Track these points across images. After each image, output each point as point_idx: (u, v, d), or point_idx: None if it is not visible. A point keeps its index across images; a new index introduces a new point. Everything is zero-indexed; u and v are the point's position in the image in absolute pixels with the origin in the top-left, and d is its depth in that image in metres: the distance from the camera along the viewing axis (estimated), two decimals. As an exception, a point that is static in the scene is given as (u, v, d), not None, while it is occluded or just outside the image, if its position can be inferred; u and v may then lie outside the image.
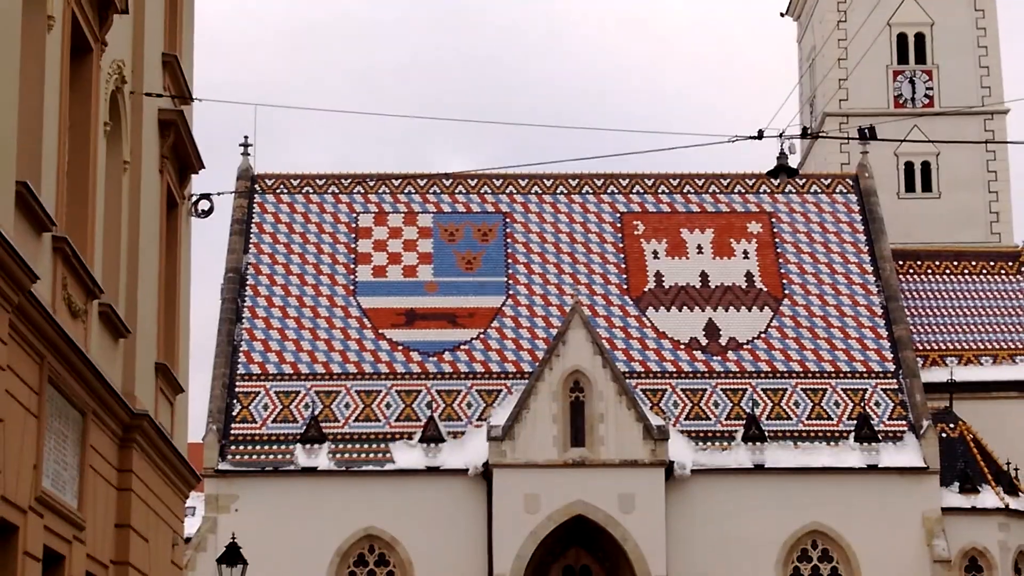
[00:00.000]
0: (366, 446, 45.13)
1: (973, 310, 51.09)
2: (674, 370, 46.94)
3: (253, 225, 50.14)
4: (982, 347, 49.93)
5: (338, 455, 44.85)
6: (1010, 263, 52.42)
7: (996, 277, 52.15)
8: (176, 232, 22.15)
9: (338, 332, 47.59)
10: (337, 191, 51.47)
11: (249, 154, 51.38)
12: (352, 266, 49.44)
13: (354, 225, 50.59)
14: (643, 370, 46.85)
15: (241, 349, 46.91)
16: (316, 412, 45.47)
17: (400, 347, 47.27)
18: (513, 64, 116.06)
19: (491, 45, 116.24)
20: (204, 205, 23.01)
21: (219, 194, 23.38)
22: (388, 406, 45.94)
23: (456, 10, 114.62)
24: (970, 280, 52.04)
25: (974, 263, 52.59)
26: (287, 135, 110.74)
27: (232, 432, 45.22)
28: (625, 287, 49.21)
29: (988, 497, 45.00)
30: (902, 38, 57.82)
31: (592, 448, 43.85)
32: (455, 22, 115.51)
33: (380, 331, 47.61)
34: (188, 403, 23.11)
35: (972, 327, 50.58)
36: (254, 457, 44.84)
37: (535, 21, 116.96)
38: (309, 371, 46.62)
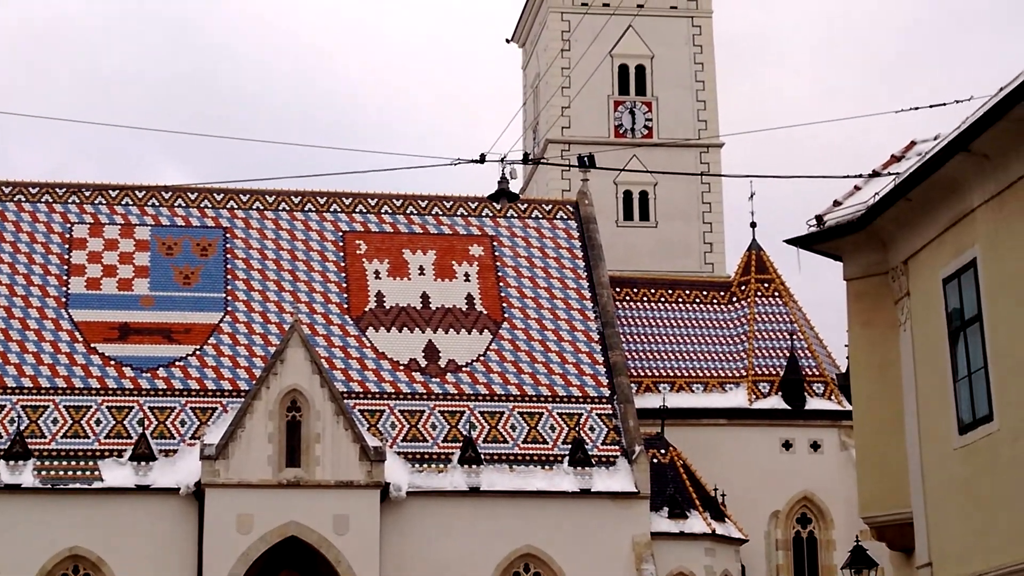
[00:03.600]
0: (74, 463, 43.80)
1: (686, 338, 52.29)
2: (393, 391, 46.83)
3: (-40, 232, 48.29)
4: (694, 375, 51.14)
5: (44, 472, 43.41)
6: (722, 293, 53.82)
7: (709, 306, 53.49)
8: None
9: (47, 345, 46.12)
10: (51, 200, 49.95)
11: (-42, 158, 49.55)
12: (65, 278, 48.01)
13: (68, 236, 49.15)
14: (362, 391, 46.61)
15: (-57, 361, 45.07)
16: (21, 427, 43.95)
17: (112, 362, 46.05)
18: (235, 77, 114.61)
19: (214, 57, 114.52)
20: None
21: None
22: (98, 422, 44.70)
23: (180, 20, 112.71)
24: (684, 308, 53.25)
25: (688, 292, 53.85)
26: (1, 141, 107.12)
27: (-69, 447, 43.35)
28: (346, 307, 48.92)
29: (696, 522, 46.04)
30: (623, 69, 59.02)
31: (308, 468, 43.39)
32: (179, 32, 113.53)
33: (92, 345, 46.31)
34: None
35: (685, 355, 51.76)
36: (-47, 474, 43.04)
37: (258, 34, 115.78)
38: (15, 384, 45.04)
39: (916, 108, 23.32)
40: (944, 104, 22.30)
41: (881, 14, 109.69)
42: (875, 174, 22.52)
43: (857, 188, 22.81)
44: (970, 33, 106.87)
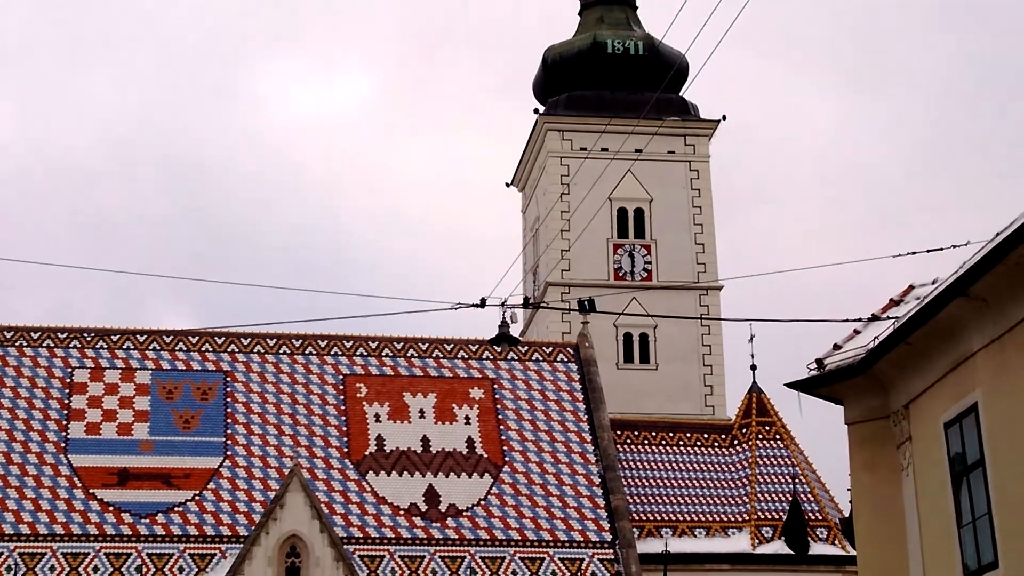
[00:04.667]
0: (71, 611, 43.34)
1: (688, 482, 52.02)
2: (393, 536, 46.48)
3: (-39, 377, 48.27)
4: (696, 519, 50.78)
5: (40, 620, 42.94)
6: (723, 436, 53.66)
7: (710, 449, 53.30)
8: None
9: (46, 491, 45.87)
10: (52, 344, 50.02)
11: (-40, 304, 49.68)
12: (64, 423, 47.90)
13: (68, 380, 49.14)
14: (362, 536, 46.26)
15: (-59, 507, 44.79)
16: (19, 575, 43.56)
17: (111, 508, 45.77)
18: (236, 219, 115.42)
19: (215, 199, 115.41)
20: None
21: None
22: (96, 569, 44.30)
23: (180, 162, 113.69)
24: (685, 452, 53.06)
25: (689, 435, 53.70)
26: (3, 284, 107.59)
27: (-74, 595, 42.95)
28: (346, 450, 48.75)
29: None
30: (622, 212, 59.46)
31: (307, 615, 42.92)
32: (179, 174, 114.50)
33: (91, 491, 46.06)
34: None
35: (687, 498, 51.46)
36: (-51, 622, 42.60)
37: (262, 177, 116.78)
38: (13, 531, 44.72)
39: (914, 252, 23.49)
40: (942, 249, 22.45)
41: (879, 159, 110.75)
42: (874, 318, 22.61)
43: (857, 332, 22.89)
44: (966, 178, 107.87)
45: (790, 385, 22.98)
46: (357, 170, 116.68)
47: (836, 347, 22.79)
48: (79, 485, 46.20)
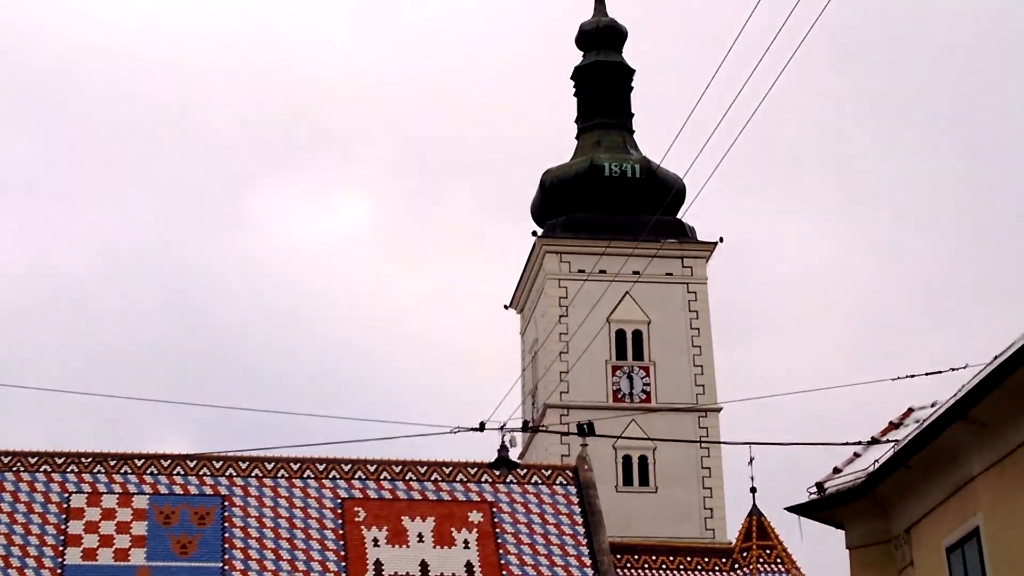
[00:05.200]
0: None
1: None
2: (391, 663, 45.95)
3: (-43, 503, 48.04)
4: (697, 643, 50.28)
5: None
6: (724, 559, 53.27)
7: (711, 573, 52.89)
8: None
9: (41, 618, 45.45)
10: (50, 469, 49.83)
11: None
12: (61, 548, 47.57)
13: (65, 505, 48.89)
14: (359, 662, 45.73)
15: (-67, 636, 44.39)
16: None
17: (107, 635, 45.34)
18: (236, 346, 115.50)
19: (213, 326, 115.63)
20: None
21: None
22: None
23: (181, 290, 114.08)
24: (685, 575, 52.66)
25: (689, 558, 53.29)
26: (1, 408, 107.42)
27: None
28: (344, 575, 48.36)
29: None
30: (621, 334, 59.56)
31: None
32: (172, 297, 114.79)
33: (86, 618, 45.65)
34: None
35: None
36: None
37: (261, 303, 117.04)
38: (7, 660, 44.28)
39: (912, 376, 23.55)
40: (940, 372, 22.50)
41: (878, 284, 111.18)
42: (874, 441, 22.64)
43: (856, 455, 22.92)
44: (962, 302, 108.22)
45: (790, 509, 22.96)
46: (356, 294, 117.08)
47: (836, 471, 22.81)
48: (75, 612, 45.75)
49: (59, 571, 46.84)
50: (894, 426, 22.81)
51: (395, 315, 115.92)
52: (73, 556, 47.30)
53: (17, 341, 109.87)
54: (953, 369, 21.99)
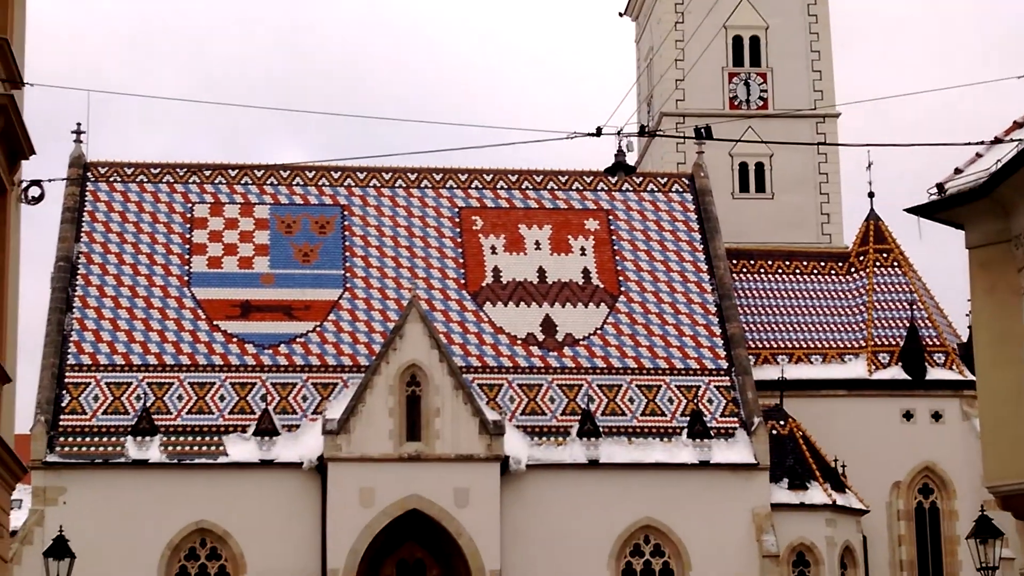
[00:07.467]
0: (199, 439, 44.57)
1: (804, 309, 51.99)
2: (511, 365, 47.06)
3: (85, 213, 49.21)
4: (812, 346, 50.83)
5: (170, 448, 44.23)
6: (840, 264, 53.42)
7: (826, 277, 53.13)
8: (5, 219, 21.64)
9: (171, 323, 46.91)
10: (172, 180, 50.73)
11: (82, 141, 50.37)
12: (187, 256, 48.76)
13: (189, 215, 49.91)
14: (480, 365, 46.90)
15: (71, 339, 46.01)
16: (148, 404, 44.78)
17: (235, 339, 46.75)
18: (352, 56, 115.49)
19: (328, 36, 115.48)
20: (34, 192, 22.52)
21: (50, 181, 22.90)
22: (222, 398, 45.42)
23: (290, 14, 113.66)
24: (801, 280, 52.94)
25: (805, 263, 53.51)
26: (122, 124, 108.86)
27: (61, 424, 44.34)
28: (463, 282, 49.21)
29: (816, 493, 45.84)
30: (737, 40, 58.59)
31: (428, 442, 43.78)
32: (293, 13, 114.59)
33: (215, 322, 47.03)
34: (15, 393, 22.58)
35: (803, 326, 51.48)
36: (84, 449, 44.01)
37: (374, 15, 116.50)
38: (141, 362, 45.89)
39: (1038, 74, 22.97)
40: (1067, 68, 21.99)
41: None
42: (997, 141, 22.24)
43: (979, 155, 22.53)
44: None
45: (910, 210, 22.73)
46: (468, 7, 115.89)
47: (957, 171, 22.48)
48: (203, 317, 47.15)
49: (186, 278, 48.07)
50: (1018, 125, 22.34)
51: (508, 24, 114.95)
52: (199, 264, 48.48)
53: (134, 53, 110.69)
54: (1081, 65, 21.47)
